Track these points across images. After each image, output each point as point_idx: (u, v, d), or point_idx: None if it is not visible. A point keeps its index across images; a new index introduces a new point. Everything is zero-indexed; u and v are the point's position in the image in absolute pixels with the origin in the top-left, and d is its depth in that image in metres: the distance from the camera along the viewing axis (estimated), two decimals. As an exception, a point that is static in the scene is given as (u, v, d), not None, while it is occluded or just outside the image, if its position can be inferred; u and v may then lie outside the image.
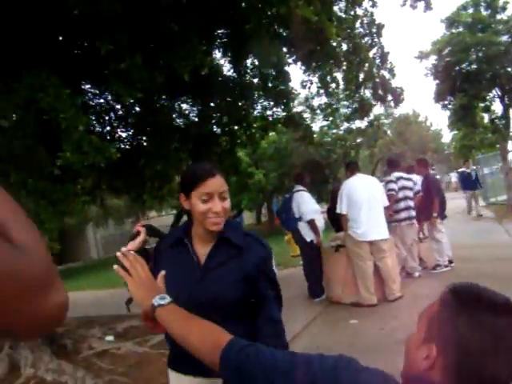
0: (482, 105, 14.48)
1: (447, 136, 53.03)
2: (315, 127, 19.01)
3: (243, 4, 4.11)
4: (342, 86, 7.01)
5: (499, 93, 14.28)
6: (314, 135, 18.52)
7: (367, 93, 7.11)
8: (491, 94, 14.46)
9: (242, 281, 1.71)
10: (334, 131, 17.57)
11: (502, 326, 0.90)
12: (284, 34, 5.14)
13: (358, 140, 18.31)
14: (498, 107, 14.82)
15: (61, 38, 4.33)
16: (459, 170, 17.40)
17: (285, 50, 6.05)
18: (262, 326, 1.75)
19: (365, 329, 5.03)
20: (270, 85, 6.75)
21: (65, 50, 4.28)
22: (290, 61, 6.47)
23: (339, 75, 6.86)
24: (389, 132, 23.01)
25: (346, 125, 15.49)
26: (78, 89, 4.97)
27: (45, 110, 3.51)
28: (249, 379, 1.11)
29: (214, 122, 7.45)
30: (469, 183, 14.96)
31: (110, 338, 6.20)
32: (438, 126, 45.61)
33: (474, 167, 17.89)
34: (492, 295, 0.95)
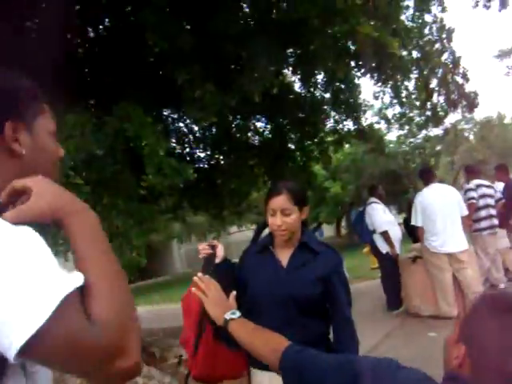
0: None
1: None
2: (391, 137, 18.62)
3: (306, 25, 4.28)
4: (414, 96, 6.92)
5: None
6: (391, 145, 18.20)
7: (441, 100, 6.94)
8: None
9: (319, 281, 1.99)
10: (412, 140, 17.07)
11: None
12: (351, 48, 5.23)
13: (438, 148, 17.61)
14: None
15: (142, 72, 4.78)
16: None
17: (353, 64, 6.11)
18: (339, 327, 2.05)
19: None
20: (340, 98, 6.83)
21: (146, 82, 4.71)
22: (358, 74, 6.52)
23: (411, 84, 6.79)
24: (471, 137, 21.86)
25: (423, 133, 15.02)
26: (159, 116, 5.43)
27: (130, 137, 3.93)
28: (304, 376, 1.28)
29: (287, 138, 7.65)
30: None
31: (193, 346, 6.53)
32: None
33: None
34: None
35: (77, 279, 0.76)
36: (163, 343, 6.74)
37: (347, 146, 13.41)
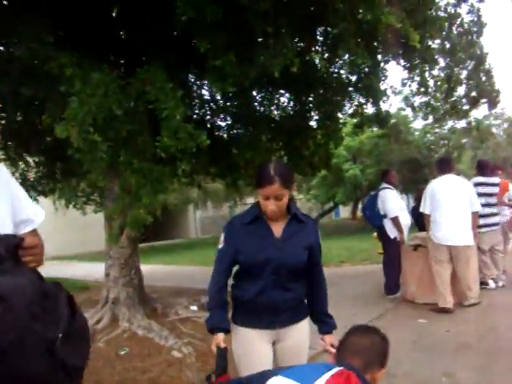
0: None
1: None
2: (418, 125, 18.34)
3: (332, 9, 4.33)
4: (437, 86, 6.86)
5: None
6: (416, 133, 17.94)
7: (462, 92, 6.86)
8: None
9: (306, 248, 2.28)
10: (437, 130, 16.83)
11: None
12: (377, 36, 5.23)
13: (463, 140, 17.32)
14: None
15: (169, 38, 4.90)
16: None
17: (380, 50, 6.10)
18: (318, 282, 2.42)
19: (432, 329, 5.06)
20: (363, 82, 6.82)
21: (173, 48, 4.85)
22: (383, 59, 6.49)
23: (436, 74, 6.73)
24: (501, 133, 21.29)
25: (450, 124, 14.78)
26: (183, 82, 5.57)
27: (151, 100, 4.11)
28: None
29: (308, 116, 7.71)
30: None
31: (194, 307, 6.86)
32: None
33: None
34: None
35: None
36: (166, 301, 7.09)
37: (371, 130, 13.35)
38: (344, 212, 26.14)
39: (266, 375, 1.49)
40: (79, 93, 3.82)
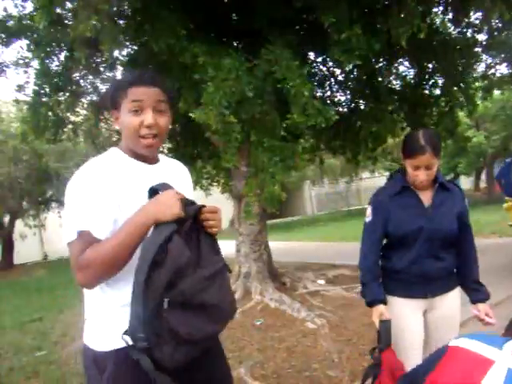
0: None
1: None
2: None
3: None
4: None
5: None
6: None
7: None
8: None
9: (456, 216, 2.25)
10: None
11: None
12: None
13: None
14: None
15: (289, 16, 4.95)
16: None
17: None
18: (470, 250, 2.35)
19: None
20: (496, 39, 6.26)
21: (293, 26, 4.90)
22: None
23: None
24: None
25: None
26: (305, 59, 5.61)
27: (278, 80, 4.23)
28: None
29: (431, 83, 7.31)
30: None
31: (321, 281, 6.99)
32: None
33: None
34: None
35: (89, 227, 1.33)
36: (294, 275, 7.32)
37: (497, 92, 12.18)
38: (464, 183, 24.34)
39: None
40: (213, 79, 4.07)
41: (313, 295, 6.33)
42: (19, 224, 13.99)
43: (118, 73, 7.16)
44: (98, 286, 1.37)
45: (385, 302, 2.23)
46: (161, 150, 7.84)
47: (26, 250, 14.57)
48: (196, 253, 1.37)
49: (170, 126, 1.53)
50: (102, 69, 6.79)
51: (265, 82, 4.34)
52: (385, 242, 2.36)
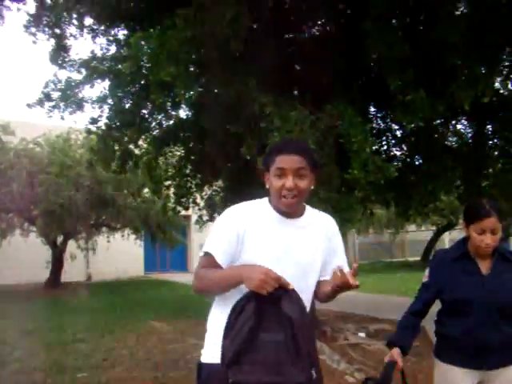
0: None
1: None
2: None
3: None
4: None
5: None
6: None
7: None
8: None
9: None
10: None
11: None
12: None
13: None
14: None
15: (354, 74, 5.16)
16: None
17: None
18: None
19: None
20: None
21: (358, 84, 5.09)
22: None
23: None
24: None
25: None
26: (367, 116, 5.76)
27: (341, 134, 4.38)
28: None
29: (489, 144, 7.26)
30: None
31: (362, 334, 6.85)
32: None
33: None
34: None
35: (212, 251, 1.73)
36: (334, 325, 7.21)
37: None
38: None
39: None
40: (279, 129, 4.27)
41: (353, 348, 6.20)
42: (70, 245, 14.63)
43: (181, 111, 7.60)
44: (218, 310, 1.77)
45: (404, 350, 2.25)
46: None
47: (72, 269, 15.11)
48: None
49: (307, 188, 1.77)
50: (167, 107, 7.19)
51: (327, 135, 4.50)
52: (440, 307, 2.36)
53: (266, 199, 1.84)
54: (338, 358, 5.52)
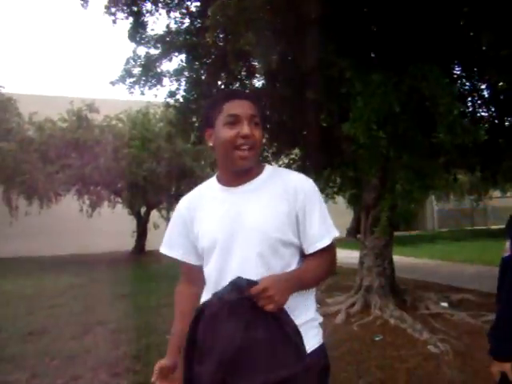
0: None
1: None
2: None
3: None
4: None
5: None
6: None
7: None
8: None
9: None
10: None
11: None
12: None
13: None
14: None
15: (440, 33, 4.84)
16: None
17: None
18: None
19: None
20: None
21: (443, 43, 4.77)
22: None
23: None
24: None
25: None
26: (453, 77, 5.43)
27: (424, 96, 4.17)
28: None
29: None
30: None
31: (444, 304, 6.65)
32: None
33: None
34: None
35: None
36: (415, 293, 7.05)
37: None
38: None
39: None
40: (361, 93, 4.14)
41: (435, 317, 6.03)
42: (153, 215, 15.47)
43: (256, 81, 7.59)
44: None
45: None
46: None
47: (155, 238, 15.99)
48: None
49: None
50: (241, 76, 7.22)
51: (410, 98, 4.31)
52: None
53: (214, 177, 1.63)
54: (420, 327, 5.41)
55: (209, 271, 1.54)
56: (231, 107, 1.48)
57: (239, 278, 1.36)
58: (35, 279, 10.86)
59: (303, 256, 1.54)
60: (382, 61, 5.18)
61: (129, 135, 13.29)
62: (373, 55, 5.34)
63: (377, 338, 5.23)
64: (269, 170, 1.59)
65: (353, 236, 17.66)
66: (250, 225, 1.46)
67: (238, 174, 1.53)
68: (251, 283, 1.34)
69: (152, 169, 12.41)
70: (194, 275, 1.63)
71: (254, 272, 1.41)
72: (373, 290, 6.38)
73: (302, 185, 1.53)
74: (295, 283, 1.42)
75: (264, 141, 8.01)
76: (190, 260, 1.62)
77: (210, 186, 1.62)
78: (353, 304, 6.43)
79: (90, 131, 13.47)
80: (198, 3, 6.90)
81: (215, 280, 1.49)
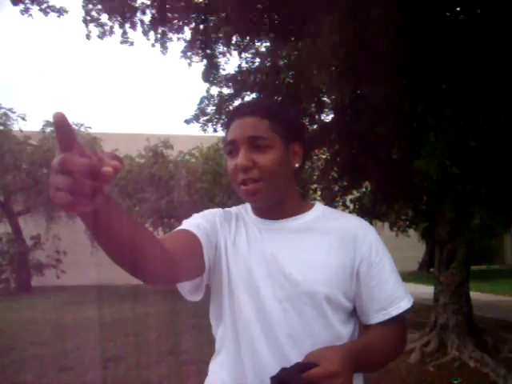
0: None
1: None
2: None
3: None
4: None
5: None
6: None
7: None
8: None
9: None
10: None
11: None
12: None
13: None
14: None
15: None
16: None
17: None
18: None
19: None
20: None
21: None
22: None
23: None
24: None
25: None
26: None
27: (503, 129, 4.06)
28: None
29: None
30: None
31: (530, 347, 6.22)
32: None
33: None
34: None
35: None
36: (496, 334, 6.66)
37: None
38: None
39: None
40: (434, 128, 4.12)
41: (520, 362, 5.67)
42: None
43: (324, 115, 7.71)
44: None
45: None
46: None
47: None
48: None
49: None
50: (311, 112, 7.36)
51: (487, 132, 4.21)
52: None
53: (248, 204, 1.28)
54: (505, 373, 5.08)
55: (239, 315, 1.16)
56: (230, 131, 1.15)
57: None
58: (114, 307, 11.40)
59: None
60: (455, 95, 5.11)
61: (201, 170, 13.85)
62: (444, 88, 5.28)
63: (456, 382, 4.99)
64: (319, 208, 1.25)
65: (425, 270, 17.07)
66: (292, 275, 1.11)
67: (269, 208, 1.19)
68: (305, 365, 0.97)
69: (223, 202, 12.82)
70: (181, 245, 1.07)
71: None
72: (449, 328, 6.11)
73: (365, 233, 1.18)
74: (362, 365, 1.05)
75: (334, 174, 8.05)
76: (198, 234, 1.12)
77: (246, 212, 1.26)
78: (427, 342, 6.18)
79: (165, 166, 14.22)
80: (268, 44, 7.21)
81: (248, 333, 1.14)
